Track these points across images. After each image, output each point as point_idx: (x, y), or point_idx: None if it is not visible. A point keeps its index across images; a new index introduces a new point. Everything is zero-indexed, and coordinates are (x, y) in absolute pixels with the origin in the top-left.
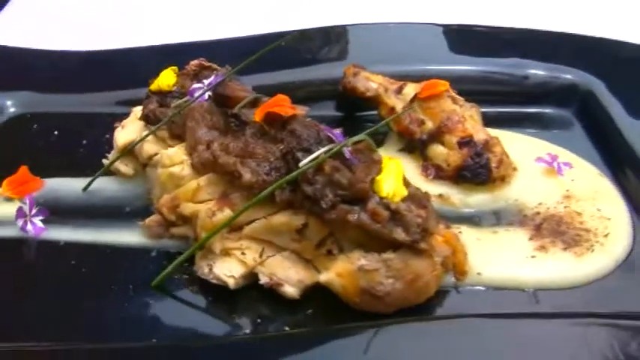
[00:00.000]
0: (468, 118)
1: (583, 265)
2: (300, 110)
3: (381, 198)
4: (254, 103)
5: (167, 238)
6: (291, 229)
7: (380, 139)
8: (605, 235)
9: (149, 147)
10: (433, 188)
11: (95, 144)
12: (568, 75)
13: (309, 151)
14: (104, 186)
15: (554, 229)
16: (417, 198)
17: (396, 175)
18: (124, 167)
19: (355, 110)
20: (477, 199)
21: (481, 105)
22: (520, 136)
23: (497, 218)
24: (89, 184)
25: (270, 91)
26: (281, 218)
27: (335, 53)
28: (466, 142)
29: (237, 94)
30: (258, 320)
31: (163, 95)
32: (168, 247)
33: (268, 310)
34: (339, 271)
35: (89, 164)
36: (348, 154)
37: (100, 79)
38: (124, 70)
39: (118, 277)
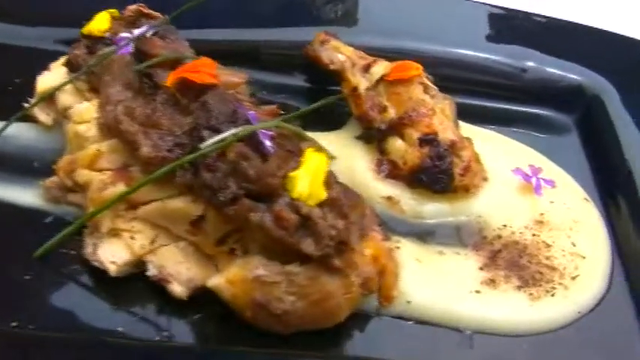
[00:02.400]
0: (438, 112)
1: (536, 311)
2: (237, 78)
3: (292, 199)
4: (174, 65)
5: (65, 204)
6: (186, 219)
7: (342, 121)
8: (573, 278)
9: (65, 98)
10: (383, 188)
11: (26, 84)
12: (575, 74)
13: (217, 131)
14: (21, 133)
15: (513, 261)
16: (337, 204)
17: (315, 172)
18: (43, 116)
19: (330, 84)
20: (431, 209)
21: (467, 96)
22: (503, 138)
23: (450, 236)
24: (3, 128)
25: (225, 51)
26: (178, 203)
27: (311, 15)
28: (428, 139)
29: (155, 51)
30: (134, 318)
31: (94, 41)
32: (66, 214)
33: (151, 307)
34: (231, 278)
35: (13, 106)
36: (266, 141)
37: (38, 8)
38: (65, 2)
39: (3, 239)
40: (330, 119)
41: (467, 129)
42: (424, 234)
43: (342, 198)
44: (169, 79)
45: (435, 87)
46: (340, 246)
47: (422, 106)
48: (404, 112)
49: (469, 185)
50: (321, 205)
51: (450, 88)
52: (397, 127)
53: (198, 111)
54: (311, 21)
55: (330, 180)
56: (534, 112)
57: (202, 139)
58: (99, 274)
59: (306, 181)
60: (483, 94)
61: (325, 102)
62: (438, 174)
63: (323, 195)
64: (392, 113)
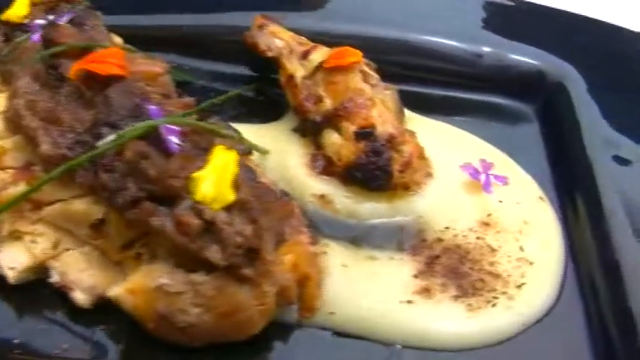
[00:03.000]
0: (378, 103)
1: (474, 324)
2: (157, 68)
3: (196, 202)
4: (83, 55)
5: None
6: (87, 222)
7: (282, 113)
8: (519, 286)
9: None
10: (315, 185)
11: None
12: (536, 59)
13: (116, 127)
14: None
15: (452, 268)
16: (247, 207)
17: (222, 172)
18: None
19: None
20: (367, 209)
21: (417, 84)
22: (455, 130)
23: (387, 238)
24: None
25: (161, 38)
26: (80, 205)
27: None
28: (365, 133)
29: (61, 40)
30: (35, 329)
31: (12, 28)
32: None
33: (54, 318)
34: (132, 287)
35: None
36: (172, 137)
37: None
38: None
39: None
40: (270, 110)
41: (416, 120)
42: (358, 236)
43: (252, 201)
44: (72, 70)
45: (377, 75)
46: (250, 253)
47: (359, 95)
48: (340, 102)
49: (409, 183)
50: (228, 208)
51: (399, 76)
52: (332, 120)
53: (101, 105)
54: (254, 4)
55: (240, 180)
56: (491, 101)
57: (101, 136)
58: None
59: (210, 182)
60: (435, 81)
61: (232, 94)
62: (375, 170)
63: (230, 197)
64: (328, 104)
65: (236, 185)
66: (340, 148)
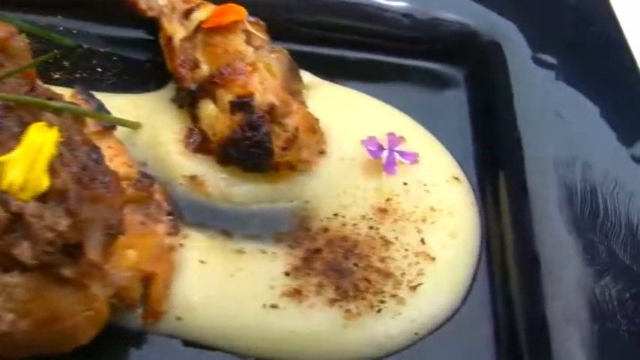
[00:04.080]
0: (261, 68)
1: (351, 334)
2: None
3: (2, 191)
4: None
5: None
6: None
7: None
8: (413, 288)
9: None
10: (187, 165)
11: None
12: (468, 16)
13: None
14: None
15: (334, 264)
16: (65, 197)
17: (35, 156)
18: None
19: None
20: (244, 193)
21: (328, 46)
22: (366, 100)
23: (265, 228)
24: None
25: None
26: None
27: None
28: (241, 103)
29: None
30: None
31: None
32: None
33: None
34: None
35: None
36: None
37: None
38: None
39: None
40: (156, 78)
41: (320, 88)
42: (232, 225)
43: (72, 189)
44: None
45: (264, 36)
46: (69, 250)
47: (239, 60)
48: (217, 68)
49: (294, 162)
50: (43, 198)
51: (308, 37)
52: (208, 88)
53: None
54: None
55: (59, 165)
56: (414, 65)
57: None
58: None
59: (19, 168)
60: (349, 43)
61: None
62: (251, 147)
63: (43, 186)
64: (204, 70)
65: (53, 170)
66: (215, 122)
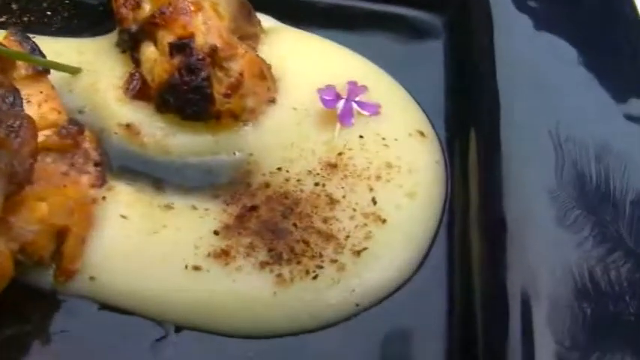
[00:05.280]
0: (206, 8)
1: (281, 302)
2: None
3: None
4: None
5: None
6: None
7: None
8: (357, 252)
9: None
10: (124, 113)
11: None
12: None
13: None
14: None
15: (270, 223)
16: None
17: None
18: None
19: None
20: (182, 143)
21: None
22: (331, 47)
23: (201, 182)
24: None
25: None
26: None
27: None
28: (180, 44)
29: None
30: None
31: None
32: None
33: None
34: None
35: None
36: None
37: None
38: None
39: None
40: (103, 21)
41: (281, 33)
42: (164, 177)
43: None
44: None
45: None
46: None
47: None
48: (158, 7)
49: (238, 110)
50: None
51: None
52: (148, 29)
53: None
54: None
55: None
56: (390, 12)
57: None
58: None
59: None
60: None
61: None
62: (189, 93)
63: None
64: (146, 10)
65: None
66: (154, 65)
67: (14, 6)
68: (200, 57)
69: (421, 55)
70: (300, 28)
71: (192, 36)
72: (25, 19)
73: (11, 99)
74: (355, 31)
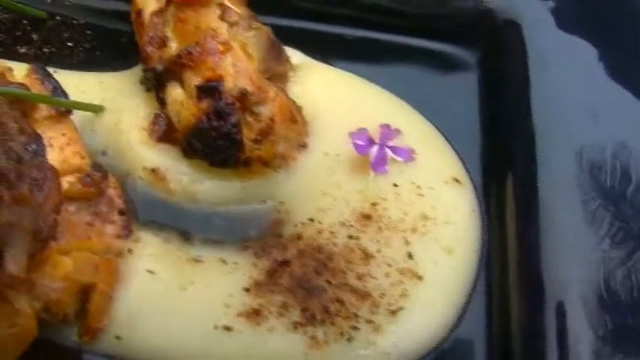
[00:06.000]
0: (235, 48)
1: None
2: None
3: None
4: None
5: None
6: None
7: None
8: (393, 312)
9: None
10: (149, 156)
11: None
12: None
13: None
14: None
15: (303, 280)
16: None
17: None
18: None
19: None
20: (209, 191)
21: (324, 22)
22: (361, 84)
23: (230, 232)
24: None
25: None
26: None
27: None
28: (209, 87)
29: None
30: None
31: None
32: None
33: None
34: None
35: None
36: None
37: None
38: None
39: None
40: (130, 55)
41: (309, 69)
42: (192, 227)
43: None
44: None
45: (241, 10)
46: None
47: (210, 38)
48: (185, 47)
49: (268, 157)
50: None
51: (297, 10)
52: (175, 69)
53: None
54: None
55: None
56: (420, 46)
57: None
58: None
59: None
60: (347, 18)
61: None
62: (217, 139)
63: None
64: (173, 48)
65: None
66: (181, 108)
67: (35, 36)
68: (229, 101)
69: (453, 91)
70: (327, 62)
71: (220, 79)
72: (46, 50)
73: (34, 146)
74: (383, 65)
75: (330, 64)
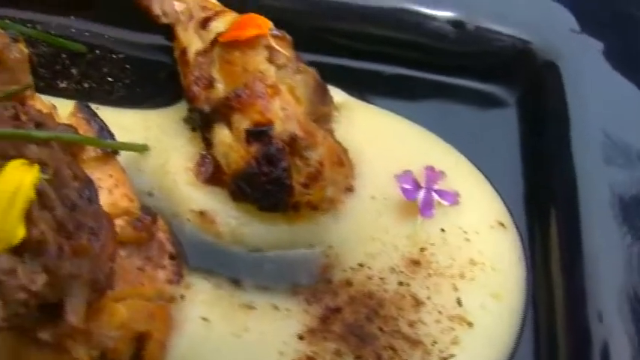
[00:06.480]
0: (283, 92)
1: None
2: None
3: None
4: None
5: None
6: None
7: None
8: (444, 359)
9: None
10: (197, 198)
11: None
12: (523, 32)
13: None
14: None
15: (356, 327)
16: (43, 250)
17: (9, 201)
18: None
19: None
20: (257, 234)
21: (363, 59)
22: (402, 124)
23: (279, 277)
24: None
25: None
26: None
27: None
28: (258, 132)
29: None
30: None
31: None
32: None
33: None
34: None
35: None
36: None
37: None
38: None
39: None
40: (168, 90)
41: (351, 108)
42: (242, 271)
43: (50, 241)
44: None
45: (288, 52)
46: (48, 312)
47: (258, 81)
48: (234, 89)
49: (317, 201)
50: (17, 250)
51: (336, 47)
52: (223, 111)
53: None
54: None
55: (38, 210)
56: (458, 85)
57: None
58: None
59: None
60: (386, 56)
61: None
62: (267, 184)
63: (17, 237)
64: (220, 90)
65: (30, 218)
66: (229, 151)
67: (74, 70)
68: (279, 146)
69: (493, 130)
70: (365, 100)
71: (270, 123)
72: (86, 85)
73: (87, 193)
74: (421, 103)
75: (368, 102)
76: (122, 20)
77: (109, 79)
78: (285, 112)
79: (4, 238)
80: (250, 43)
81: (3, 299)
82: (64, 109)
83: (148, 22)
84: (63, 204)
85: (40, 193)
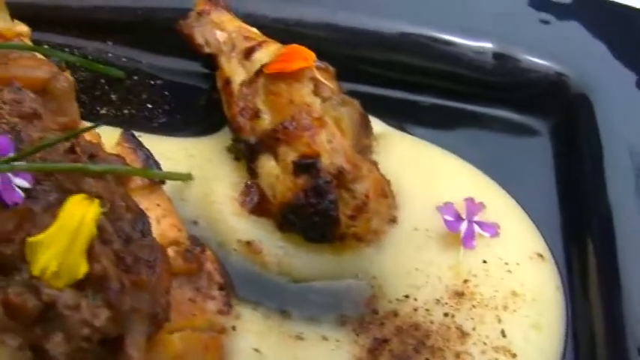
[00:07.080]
0: (329, 124)
1: None
2: (39, 72)
3: (33, 277)
4: None
5: None
6: None
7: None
8: None
9: None
10: (243, 228)
11: None
12: (557, 64)
13: None
14: None
15: (403, 358)
16: (105, 285)
17: (73, 235)
18: None
19: None
20: (304, 265)
21: (399, 89)
22: (440, 154)
23: (326, 307)
24: None
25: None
26: None
27: None
28: (306, 164)
29: None
30: None
31: None
32: None
33: None
34: None
35: None
36: (18, 181)
37: None
38: None
39: None
40: (211, 118)
41: (390, 139)
42: (289, 302)
43: (111, 276)
44: None
45: (332, 85)
46: (109, 345)
47: (304, 113)
48: (280, 121)
49: (362, 233)
50: (79, 285)
51: (378, 77)
52: (269, 143)
53: None
54: None
55: (99, 245)
56: (494, 115)
57: None
58: None
59: (53, 251)
60: (423, 87)
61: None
62: (315, 216)
63: (80, 272)
64: (266, 121)
65: (92, 253)
66: (276, 182)
67: (113, 96)
68: (327, 179)
69: (528, 161)
70: (402, 130)
71: (316, 155)
72: (126, 111)
73: (141, 225)
74: (457, 133)
75: (405, 132)
76: (159, 46)
77: (149, 105)
78: (331, 144)
79: (68, 274)
80: (296, 75)
81: (67, 334)
82: (106, 136)
83: (184, 48)
84: (119, 237)
85: (99, 227)
